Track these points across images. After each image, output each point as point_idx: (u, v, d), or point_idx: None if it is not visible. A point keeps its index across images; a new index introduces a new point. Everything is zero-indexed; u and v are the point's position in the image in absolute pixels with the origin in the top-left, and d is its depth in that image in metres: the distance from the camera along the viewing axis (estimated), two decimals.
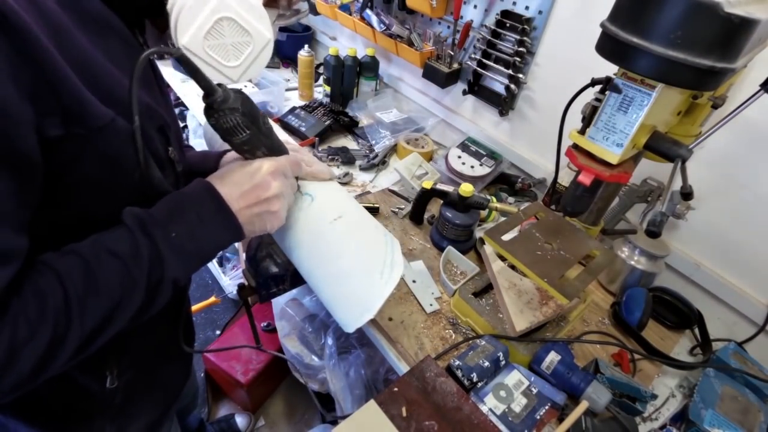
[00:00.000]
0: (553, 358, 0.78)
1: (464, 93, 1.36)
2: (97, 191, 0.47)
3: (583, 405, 0.72)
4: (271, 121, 0.63)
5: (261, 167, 0.56)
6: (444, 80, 1.35)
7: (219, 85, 0.51)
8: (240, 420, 1.54)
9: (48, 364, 0.41)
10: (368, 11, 1.45)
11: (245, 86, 1.59)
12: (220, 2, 0.49)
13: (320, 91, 1.69)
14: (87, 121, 0.42)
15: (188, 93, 1.63)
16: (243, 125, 0.53)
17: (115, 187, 0.48)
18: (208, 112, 0.51)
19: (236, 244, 1.88)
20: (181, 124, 1.93)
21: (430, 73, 1.38)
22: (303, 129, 1.43)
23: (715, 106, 0.73)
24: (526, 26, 1.13)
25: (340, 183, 1.22)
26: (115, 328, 0.46)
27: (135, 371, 0.64)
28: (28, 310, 0.40)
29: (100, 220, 0.47)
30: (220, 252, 0.58)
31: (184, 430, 1.36)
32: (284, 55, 1.96)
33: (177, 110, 1.99)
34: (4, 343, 0.38)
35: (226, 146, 0.74)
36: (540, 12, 1.11)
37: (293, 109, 1.52)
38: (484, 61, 1.25)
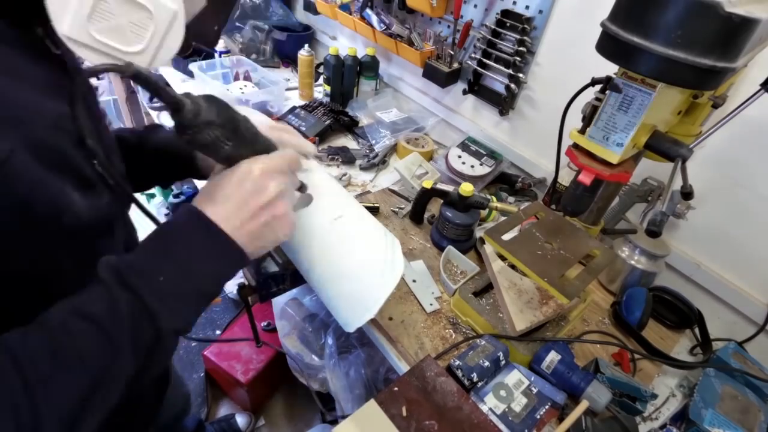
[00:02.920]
0: (553, 357, 0.78)
1: (464, 92, 1.36)
2: (12, 249, 0.38)
3: (584, 404, 0.72)
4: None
5: (251, 170, 0.48)
6: (444, 80, 1.35)
7: (186, 95, 0.43)
8: (240, 420, 1.54)
9: None
10: (368, 11, 1.45)
11: (245, 86, 1.59)
12: None
13: (320, 91, 1.69)
14: None
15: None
16: (222, 138, 0.46)
17: (33, 239, 0.39)
18: (180, 129, 0.44)
19: None
20: None
21: (430, 73, 1.37)
22: (303, 128, 1.43)
23: (715, 106, 0.73)
24: (526, 26, 1.13)
25: (340, 183, 1.22)
26: (109, 403, 0.39)
27: None
28: None
29: (35, 279, 0.40)
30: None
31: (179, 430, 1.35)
32: (284, 54, 1.96)
33: None
34: None
35: None
36: (540, 11, 1.11)
37: (293, 108, 1.52)
38: (485, 60, 1.25)
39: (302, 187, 0.61)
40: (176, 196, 2.24)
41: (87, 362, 0.37)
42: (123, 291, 0.40)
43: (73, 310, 0.39)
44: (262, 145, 0.52)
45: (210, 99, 0.45)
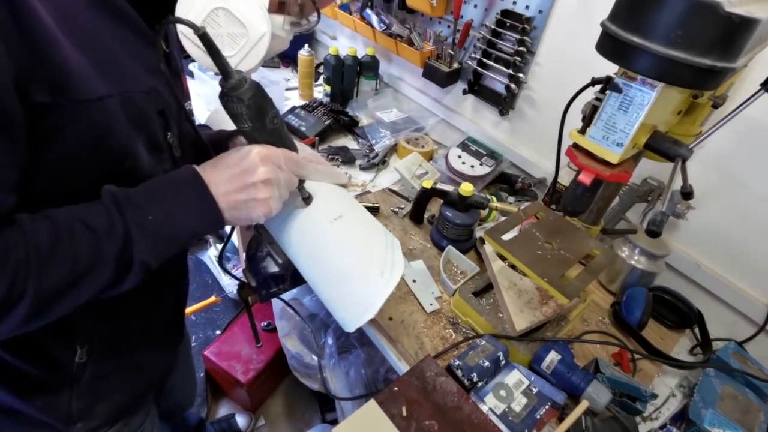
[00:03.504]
0: (553, 357, 0.78)
1: (464, 92, 1.36)
2: (79, 165, 0.47)
3: (584, 404, 0.72)
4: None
5: (251, 151, 0.55)
6: (444, 80, 1.35)
7: (238, 71, 0.52)
8: (240, 420, 1.55)
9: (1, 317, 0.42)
10: (368, 10, 1.45)
11: None
12: None
13: (320, 91, 1.69)
14: (71, 93, 0.42)
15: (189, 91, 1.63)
16: (245, 116, 0.53)
17: (97, 163, 0.48)
18: (221, 93, 0.53)
19: (236, 243, 1.88)
20: None
21: (430, 73, 1.37)
22: (303, 128, 1.43)
23: (715, 106, 0.73)
24: (526, 26, 1.13)
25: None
26: (78, 299, 0.47)
27: (107, 350, 0.63)
28: None
29: (81, 193, 0.48)
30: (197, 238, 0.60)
31: (182, 428, 1.36)
32: (284, 54, 1.95)
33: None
34: None
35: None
36: (540, 11, 1.11)
37: (293, 108, 1.52)
38: (485, 60, 1.25)
39: (308, 198, 0.65)
40: None
41: (78, 260, 0.45)
42: (119, 217, 0.47)
43: (78, 217, 0.46)
44: (279, 141, 0.59)
45: (255, 84, 0.53)
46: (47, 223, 0.44)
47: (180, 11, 0.52)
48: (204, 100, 1.54)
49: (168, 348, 0.80)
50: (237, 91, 0.51)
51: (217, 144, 0.69)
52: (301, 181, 0.63)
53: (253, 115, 0.54)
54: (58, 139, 0.44)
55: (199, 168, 0.54)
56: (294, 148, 0.61)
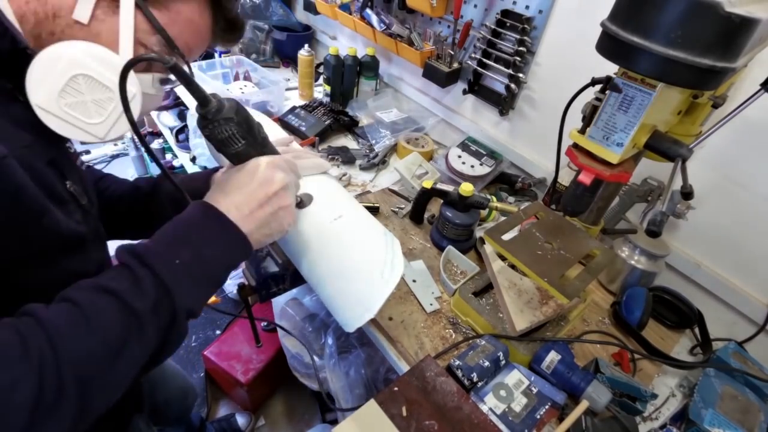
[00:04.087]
0: (553, 357, 0.78)
1: (464, 92, 1.36)
2: (6, 240, 0.42)
3: (584, 404, 0.72)
4: (270, 120, 0.62)
5: (259, 164, 0.54)
6: (444, 80, 1.35)
7: (213, 95, 0.50)
8: (240, 419, 1.55)
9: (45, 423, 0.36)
10: (368, 10, 1.45)
11: (245, 86, 1.59)
12: (72, 59, 0.45)
13: (320, 91, 1.69)
14: None
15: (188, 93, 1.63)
16: (238, 135, 0.52)
17: (18, 229, 0.43)
18: (203, 123, 0.51)
19: None
20: (181, 124, 1.92)
21: (430, 73, 1.37)
22: (303, 128, 1.43)
23: (715, 106, 0.73)
24: (526, 26, 1.13)
25: (340, 183, 1.22)
26: (129, 374, 0.42)
27: None
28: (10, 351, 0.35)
29: (11, 274, 0.43)
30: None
31: (188, 428, 1.36)
32: (284, 54, 1.96)
33: (176, 110, 1.99)
34: None
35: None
36: (540, 11, 1.11)
37: (293, 108, 1.52)
38: (485, 60, 1.25)
39: (300, 203, 0.65)
40: None
41: (109, 331, 0.40)
42: (144, 269, 0.44)
43: (98, 286, 0.42)
44: (270, 149, 0.58)
45: (232, 101, 0.51)
46: (62, 304, 0.40)
47: (34, 82, 0.44)
48: None
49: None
50: (221, 114, 0.50)
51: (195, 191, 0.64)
52: None
53: (245, 131, 0.52)
54: None
55: (207, 200, 0.52)
56: (277, 152, 0.60)
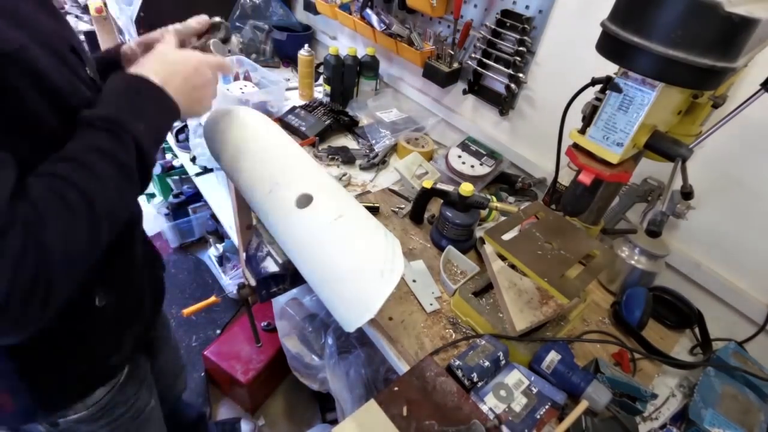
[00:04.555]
0: (553, 357, 0.78)
1: (464, 92, 1.36)
2: (38, 117, 0.48)
3: (583, 404, 0.72)
4: (269, 120, 0.66)
5: (194, 58, 0.63)
6: (444, 80, 1.35)
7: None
8: (245, 427, 1.54)
9: (91, 252, 0.47)
10: (368, 10, 1.45)
11: (245, 86, 1.59)
12: None
13: (320, 91, 1.69)
14: None
15: None
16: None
17: (48, 107, 0.48)
18: None
19: (236, 243, 1.87)
20: (181, 124, 1.92)
21: (430, 73, 1.37)
22: (303, 128, 1.43)
23: (715, 106, 0.73)
24: (526, 25, 1.13)
25: (340, 183, 1.22)
26: (126, 209, 0.53)
27: (116, 292, 0.68)
28: (52, 205, 0.43)
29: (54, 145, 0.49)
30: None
31: (183, 419, 1.35)
32: (284, 54, 1.96)
33: None
34: (55, 234, 0.42)
35: (228, 150, 0.76)
36: (540, 11, 1.11)
37: (293, 108, 1.52)
38: (485, 60, 1.25)
39: (301, 203, 0.69)
40: (176, 195, 2.24)
41: (111, 181, 0.48)
42: (127, 135, 0.51)
43: (86, 146, 0.48)
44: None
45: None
46: (71, 163, 0.46)
47: None
48: None
49: (151, 264, 0.83)
50: None
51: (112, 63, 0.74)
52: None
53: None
54: (8, 100, 0.44)
55: (147, 76, 0.57)
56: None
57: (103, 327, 0.68)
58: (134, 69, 0.58)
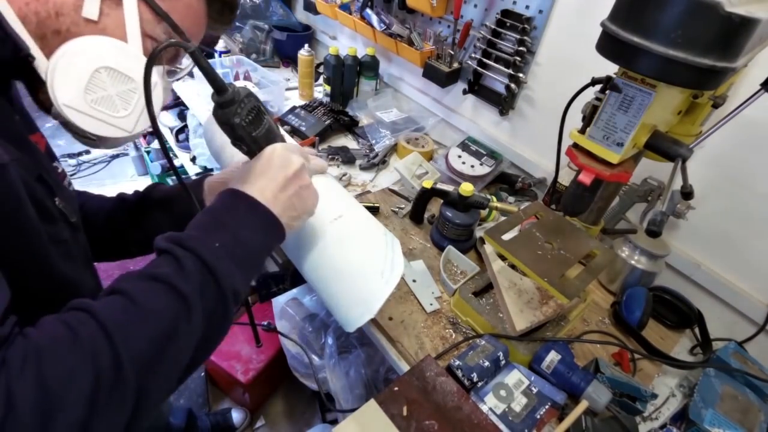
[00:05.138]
0: (553, 357, 0.78)
1: (464, 92, 1.36)
2: (16, 247, 0.43)
3: (583, 404, 0.72)
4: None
5: (274, 149, 0.55)
6: (444, 79, 1.35)
7: (229, 84, 0.52)
8: (236, 415, 1.54)
9: (108, 411, 0.35)
10: (368, 10, 1.45)
11: (245, 86, 1.59)
12: (92, 53, 0.46)
13: (320, 91, 1.69)
14: None
15: (188, 92, 1.63)
16: (253, 122, 0.53)
17: (29, 239, 0.44)
18: (218, 108, 0.51)
19: None
20: (181, 124, 1.92)
21: (430, 73, 1.37)
22: (303, 128, 1.43)
23: (715, 106, 0.73)
24: (526, 25, 1.13)
25: (340, 183, 1.22)
26: (182, 358, 0.42)
27: None
28: (49, 343, 0.35)
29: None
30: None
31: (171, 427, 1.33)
32: (284, 54, 1.96)
33: (176, 109, 1.99)
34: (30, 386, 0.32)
35: (228, 149, 0.74)
36: (540, 11, 1.11)
37: (293, 108, 1.52)
38: (485, 60, 1.25)
39: None
40: None
41: (161, 315, 0.40)
42: (186, 252, 0.44)
43: (142, 274, 0.42)
44: (281, 137, 0.60)
45: (245, 89, 0.53)
46: (110, 296, 0.41)
47: (59, 83, 0.45)
48: (205, 100, 1.54)
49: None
50: (239, 98, 0.51)
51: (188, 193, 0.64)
52: None
53: (255, 118, 0.54)
54: None
55: (232, 188, 0.53)
56: (284, 139, 0.62)
57: None
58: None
